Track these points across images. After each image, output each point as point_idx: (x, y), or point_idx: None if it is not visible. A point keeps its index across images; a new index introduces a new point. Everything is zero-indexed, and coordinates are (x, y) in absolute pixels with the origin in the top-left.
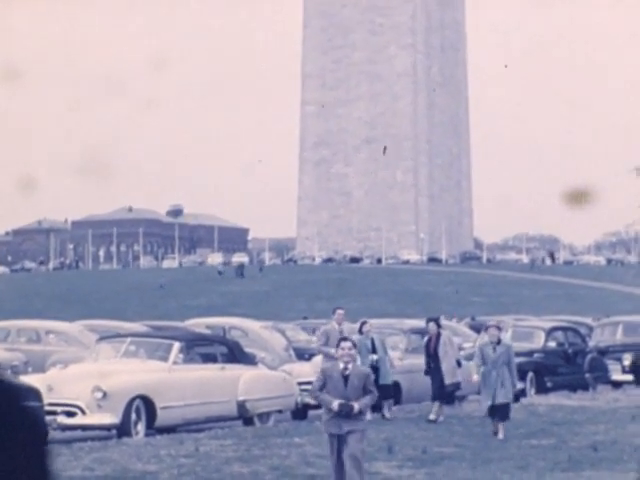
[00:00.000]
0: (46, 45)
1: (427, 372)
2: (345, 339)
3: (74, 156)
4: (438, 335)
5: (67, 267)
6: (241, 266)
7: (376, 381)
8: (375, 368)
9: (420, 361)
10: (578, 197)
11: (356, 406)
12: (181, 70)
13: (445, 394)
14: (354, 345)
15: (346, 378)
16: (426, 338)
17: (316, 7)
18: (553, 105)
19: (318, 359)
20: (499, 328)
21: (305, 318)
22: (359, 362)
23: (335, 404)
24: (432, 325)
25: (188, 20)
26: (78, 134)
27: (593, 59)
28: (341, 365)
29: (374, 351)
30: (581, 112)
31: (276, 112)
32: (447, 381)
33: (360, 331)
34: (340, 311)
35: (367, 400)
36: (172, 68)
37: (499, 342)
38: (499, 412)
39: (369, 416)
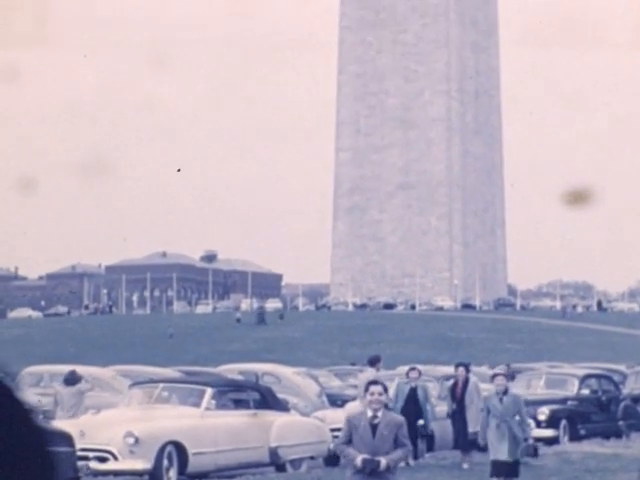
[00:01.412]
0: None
1: (450, 416)
2: (375, 382)
3: (110, 203)
4: (466, 381)
5: (101, 312)
6: (262, 313)
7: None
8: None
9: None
10: (578, 197)
11: (383, 462)
12: (218, 117)
13: (468, 442)
14: (385, 389)
15: (374, 428)
16: (452, 382)
17: (351, 53)
18: (587, 150)
19: (351, 405)
20: (506, 376)
21: (353, 364)
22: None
23: (359, 460)
24: (461, 370)
25: (223, 68)
26: (113, 179)
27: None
28: (369, 413)
29: (414, 400)
30: (619, 158)
31: (310, 158)
32: (471, 429)
33: (407, 375)
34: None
35: (398, 454)
36: (209, 114)
37: (506, 392)
38: (508, 470)
39: (412, 462)
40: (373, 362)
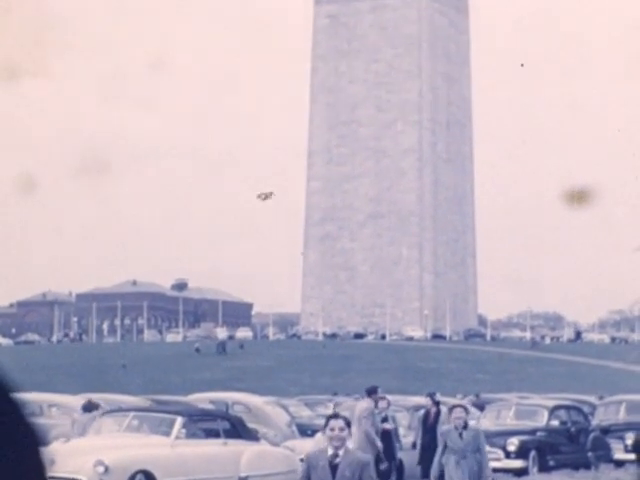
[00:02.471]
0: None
1: (417, 446)
2: (335, 416)
3: (79, 229)
4: (438, 412)
5: (71, 340)
6: (222, 343)
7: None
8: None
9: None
10: (578, 197)
11: None
12: (189, 145)
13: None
14: (347, 424)
15: (335, 468)
16: (423, 412)
17: (323, 83)
18: (558, 183)
19: (321, 436)
20: (466, 409)
21: (335, 394)
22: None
23: None
24: (427, 400)
25: (193, 98)
26: (84, 204)
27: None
28: (330, 451)
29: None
30: (591, 190)
31: (282, 187)
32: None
33: (376, 405)
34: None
35: None
36: (179, 143)
37: (466, 426)
38: None
39: None
40: (370, 392)
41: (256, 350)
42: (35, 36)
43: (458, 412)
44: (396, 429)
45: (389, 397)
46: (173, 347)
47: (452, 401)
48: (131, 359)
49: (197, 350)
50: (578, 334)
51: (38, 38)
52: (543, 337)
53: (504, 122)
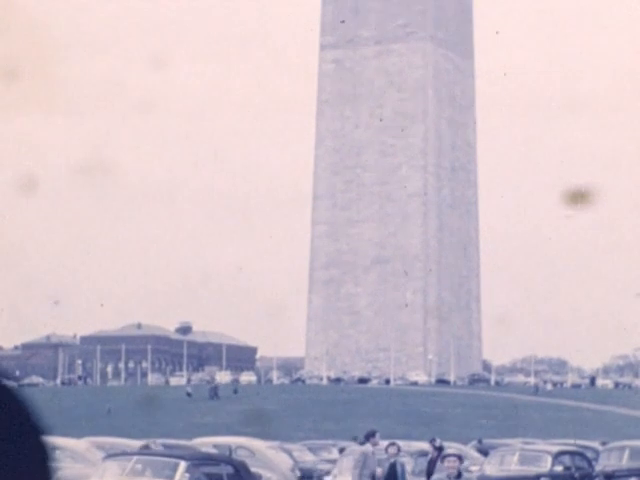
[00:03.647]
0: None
1: None
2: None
3: (83, 271)
4: (439, 458)
5: (75, 383)
6: (215, 387)
7: None
8: None
9: None
10: (578, 197)
11: None
12: (194, 188)
13: None
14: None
15: None
16: (429, 458)
17: (328, 127)
18: (562, 229)
19: None
20: (460, 458)
21: (355, 439)
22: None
23: None
24: (428, 446)
25: (200, 138)
26: (89, 246)
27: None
28: None
29: (393, 476)
30: (592, 233)
31: (287, 231)
32: None
33: (386, 450)
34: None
35: None
36: (185, 184)
37: (459, 476)
38: None
39: None
40: (368, 437)
41: (260, 394)
42: (35, 36)
43: (451, 461)
44: (403, 474)
45: (399, 443)
46: (177, 390)
47: (459, 447)
48: (135, 402)
49: (188, 394)
50: (592, 380)
51: (38, 38)
52: (545, 382)
53: (509, 167)
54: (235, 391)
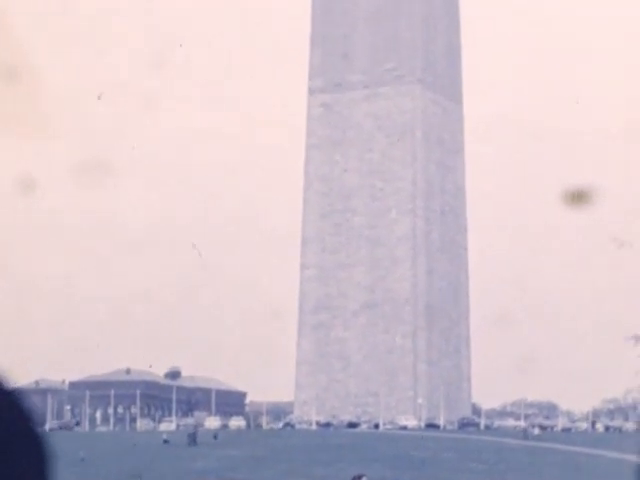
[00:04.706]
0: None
1: None
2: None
3: (75, 319)
4: None
5: (62, 429)
6: (193, 433)
7: None
8: None
9: None
10: (578, 197)
11: None
12: (182, 231)
13: None
14: None
15: None
16: None
17: (317, 171)
18: (551, 272)
19: None
20: None
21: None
22: None
23: None
24: None
25: (193, 184)
26: (77, 295)
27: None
28: None
29: None
30: (582, 275)
31: (276, 275)
32: None
33: None
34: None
35: None
36: (173, 228)
37: None
38: None
39: None
40: None
41: (206, 441)
42: (36, 36)
43: None
44: None
45: None
46: (154, 436)
47: None
48: (124, 448)
49: (165, 442)
50: (593, 424)
51: (39, 38)
52: (533, 426)
53: (499, 211)
54: (215, 437)
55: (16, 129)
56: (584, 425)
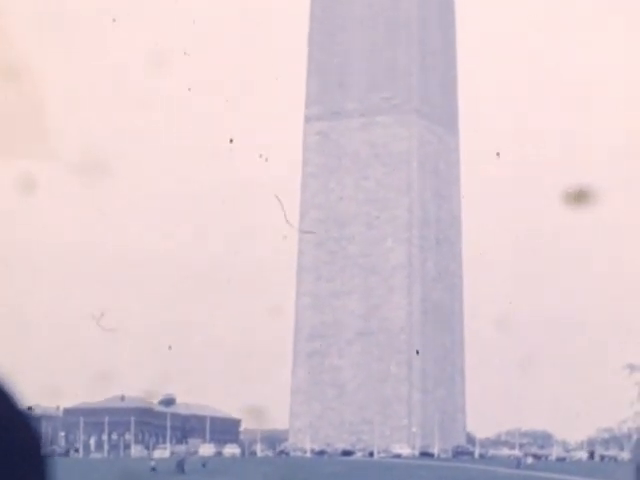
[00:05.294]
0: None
1: None
2: None
3: (68, 342)
4: None
5: (57, 455)
6: (181, 461)
7: None
8: None
9: None
10: (579, 197)
11: None
12: (179, 258)
13: None
14: None
15: None
16: None
17: (313, 200)
18: (547, 306)
19: None
20: None
21: None
22: None
23: None
24: None
25: (194, 215)
26: (73, 314)
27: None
28: None
29: None
30: (583, 311)
31: (271, 303)
32: None
33: None
34: None
35: None
36: (169, 255)
37: None
38: None
39: None
40: None
41: (194, 469)
42: (36, 36)
43: None
44: None
45: None
46: (158, 463)
47: None
48: (111, 475)
49: (153, 469)
50: (591, 454)
51: (39, 38)
52: (526, 455)
53: (494, 240)
54: (204, 465)
55: (16, 129)
56: (579, 454)
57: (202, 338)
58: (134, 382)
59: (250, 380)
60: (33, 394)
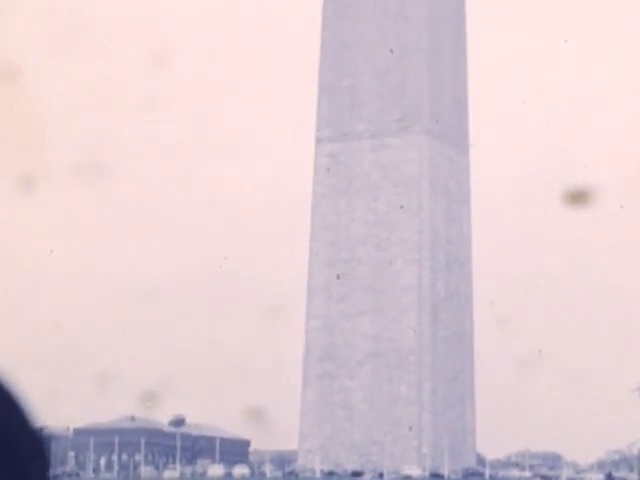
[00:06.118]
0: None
1: None
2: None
3: (76, 361)
4: None
5: (68, 475)
6: None
7: None
8: None
9: None
10: (579, 197)
11: None
12: (190, 280)
13: None
14: None
15: None
16: None
17: (323, 221)
18: (557, 324)
19: None
20: None
21: None
22: None
23: None
24: None
25: (176, 247)
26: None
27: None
28: None
29: None
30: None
31: (281, 325)
32: None
33: None
34: None
35: None
36: (187, 278)
37: None
38: None
39: None
40: None
41: None
42: (36, 36)
43: None
44: None
45: None
46: None
47: None
48: None
49: None
50: (609, 475)
51: (39, 37)
52: (536, 476)
53: (504, 261)
54: None
55: (15, 129)
56: (589, 475)
57: (213, 359)
58: (144, 402)
59: (260, 401)
60: (43, 414)
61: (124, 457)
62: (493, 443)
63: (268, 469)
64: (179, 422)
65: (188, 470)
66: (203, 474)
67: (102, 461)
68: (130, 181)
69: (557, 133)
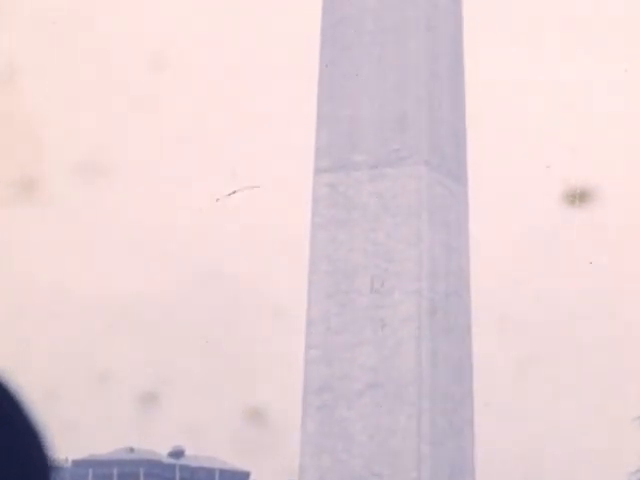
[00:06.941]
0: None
1: None
2: None
3: (76, 393)
4: None
5: None
6: None
7: None
8: None
9: None
10: (578, 197)
11: None
12: (189, 306)
13: None
14: None
15: None
16: None
17: (322, 252)
18: (556, 354)
19: None
20: None
21: None
22: None
23: None
24: None
25: (186, 265)
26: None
27: None
28: None
29: None
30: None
31: (280, 355)
32: None
33: None
34: None
35: None
36: (183, 304)
37: None
38: None
39: None
40: None
41: None
42: (35, 36)
43: None
44: None
45: None
46: None
47: None
48: None
49: None
50: None
51: (38, 37)
52: None
53: (501, 292)
54: None
55: (14, 129)
56: None
57: (209, 392)
58: (143, 434)
59: (259, 432)
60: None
61: None
62: (493, 476)
63: None
64: (178, 453)
65: None
66: None
67: None
68: (138, 181)
69: (560, 161)
